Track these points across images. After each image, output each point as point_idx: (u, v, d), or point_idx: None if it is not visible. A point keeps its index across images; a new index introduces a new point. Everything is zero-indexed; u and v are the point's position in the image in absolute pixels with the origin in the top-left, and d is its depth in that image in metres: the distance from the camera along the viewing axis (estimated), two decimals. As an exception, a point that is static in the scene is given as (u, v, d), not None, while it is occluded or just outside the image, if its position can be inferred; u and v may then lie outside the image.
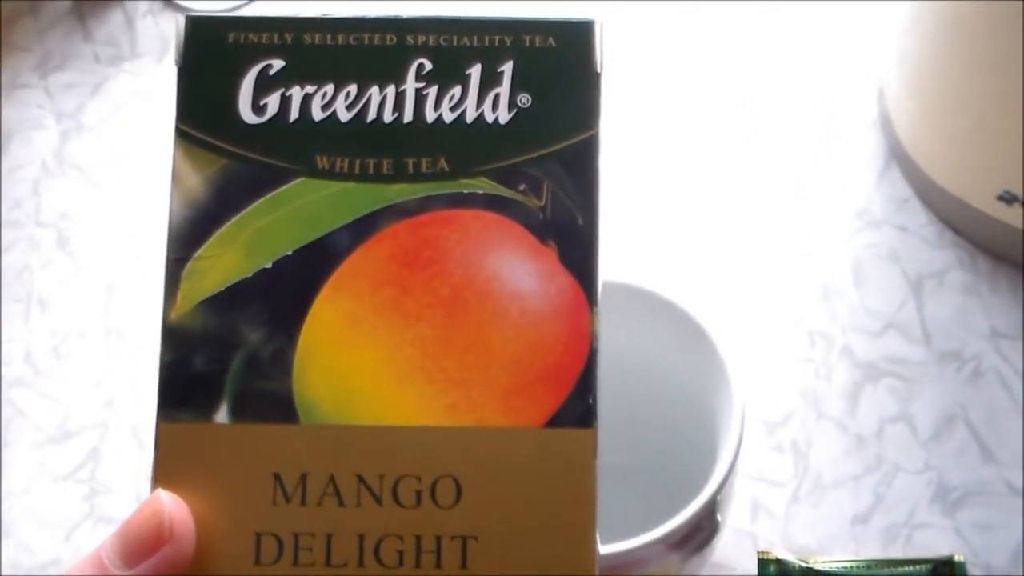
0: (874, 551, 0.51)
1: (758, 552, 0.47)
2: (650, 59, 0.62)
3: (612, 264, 0.56)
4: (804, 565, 0.45)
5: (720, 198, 0.59)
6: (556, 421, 0.31)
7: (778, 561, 0.46)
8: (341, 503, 0.31)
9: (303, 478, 0.31)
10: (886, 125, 0.59)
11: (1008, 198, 0.53)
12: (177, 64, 0.33)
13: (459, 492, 0.31)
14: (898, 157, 0.58)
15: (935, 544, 0.51)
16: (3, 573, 0.53)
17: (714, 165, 0.60)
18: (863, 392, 0.54)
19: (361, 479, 0.31)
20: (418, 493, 0.31)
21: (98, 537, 0.54)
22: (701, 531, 0.43)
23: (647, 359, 0.46)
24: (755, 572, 0.45)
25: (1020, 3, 0.47)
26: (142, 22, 0.65)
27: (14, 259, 0.60)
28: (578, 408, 0.31)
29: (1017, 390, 0.54)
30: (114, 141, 0.62)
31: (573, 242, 0.32)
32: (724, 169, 0.59)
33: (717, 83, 0.62)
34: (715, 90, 0.61)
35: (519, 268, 0.32)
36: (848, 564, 0.45)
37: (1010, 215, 0.53)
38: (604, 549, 0.41)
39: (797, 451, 0.53)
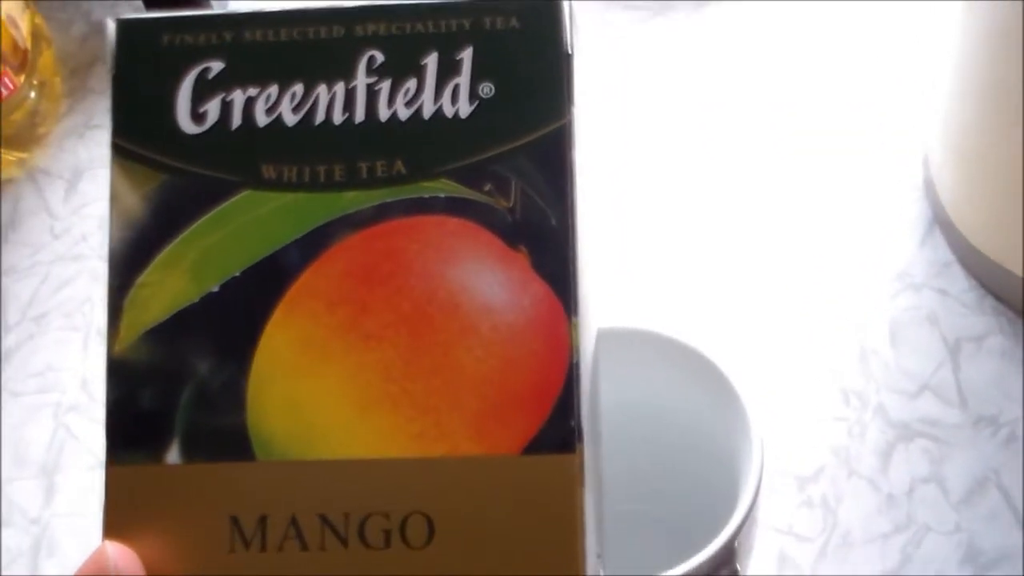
0: (900, 610, 0.51)
1: (782, 605, 0.47)
2: (695, 118, 0.64)
3: (639, 313, 0.57)
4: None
5: (764, 256, 0.60)
6: (535, 447, 0.28)
7: (802, 615, 0.46)
8: (304, 547, 0.28)
9: (262, 521, 0.29)
10: (930, 190, 0.59)
11: (1046, 264, 0.53)
12: (110, 73, 0.31)
13: (431, 530, 0.28)
14: (941, 222, 0.59)
15: (962, 606, 0.51)
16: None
17: (759, 224, 0.60)
18: (896, 451, 0.54)
19: (324, 519, 0.29)
20: (387, 532, 0.28)
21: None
22: None
23: (667, 406, 0.47)
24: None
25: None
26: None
27: (77, 291, 0.62)
28: (559, 431, 0.28)
29: (1052, 457, 0.54)
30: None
31: (546, 245, 0.29)
32: (769, 227, 0.60)
33: (769, 142, 0.63)
34: (766, 149, 0.62)
35: (487, 278, 0.29)
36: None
37: (1048, 282, 0.54)
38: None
39: (827, 507, 0.53)
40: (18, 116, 0.64)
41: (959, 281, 0.58)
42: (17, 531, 0.56)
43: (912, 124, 0.62)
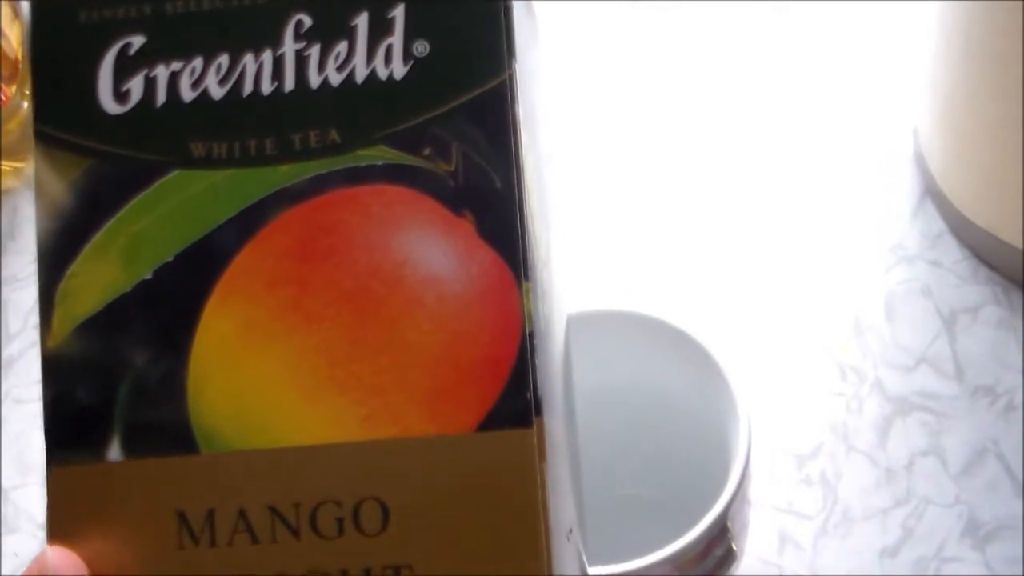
0: (902, 584, 0.51)
1: (784, 583, 0.47)
2: (689, 92, 0.64)
3: (628, 295, 0.57)
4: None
5: (755, 232, 0.60)
6: (490, 423, 0.27)
7: (804, 592, 0.46)
8: (255, 540, 0.27)
9: (210, 515, 0.28)
10: (920, 162, 0.59)
11: (1036, 232, 0.53)
12: (28, 56, 0.29)
13: (386, 515, 0.27)
14: (932, 194, 0.59)
15: (964, 577, 0.51)
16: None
17: (751, 200, 0.60)
18: (894, 426, 0.54)
19: (274, 511, 0.27)
20: (339, 521, 0.27)
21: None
22: (712, 555, 0.44)
23: (657, 388, 0.47)
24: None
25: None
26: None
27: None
28: (515, 405, 0.27)
29: (1051, 424, 0.54)
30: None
31: (491, 209, 0.28)
32: (760, 204, 0.60)
33: (756, 118, 0.62)
34: (753, 125, 0.62)
35: (432, 247, 0.28)
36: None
37: (1040, 249, 0.54)
38: (609, 571, 0.42)
39: (826, 484, 0.53)
40: (12, 126, 0.65)
41: (952, 252, 0.58)
42: (25, 536, 0.56)
43: (901, 96, 0.62)
